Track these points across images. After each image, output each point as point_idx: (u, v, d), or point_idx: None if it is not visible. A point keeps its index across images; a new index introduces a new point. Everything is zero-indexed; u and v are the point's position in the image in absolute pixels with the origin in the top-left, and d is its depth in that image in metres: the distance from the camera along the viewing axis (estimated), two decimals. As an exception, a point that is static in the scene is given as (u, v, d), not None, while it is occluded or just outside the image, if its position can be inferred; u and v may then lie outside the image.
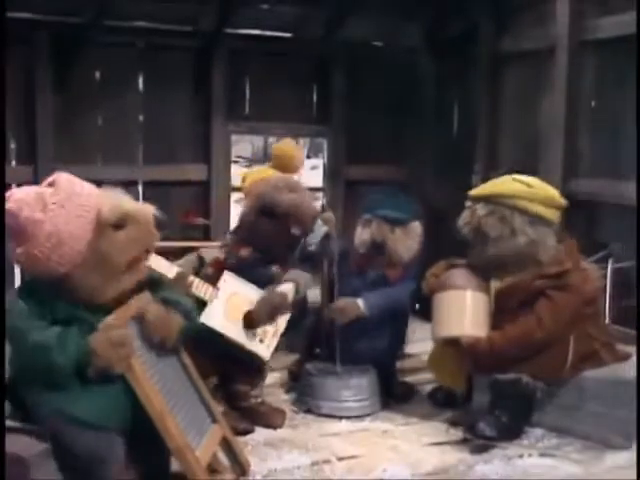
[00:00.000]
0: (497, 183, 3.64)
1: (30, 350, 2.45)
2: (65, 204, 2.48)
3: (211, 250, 3.69)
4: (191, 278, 3.29)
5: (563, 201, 3.59)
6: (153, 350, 2.68)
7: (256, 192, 3.69)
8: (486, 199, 3.55)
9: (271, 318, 3.48)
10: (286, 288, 3.55)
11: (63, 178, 2.57)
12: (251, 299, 3.48)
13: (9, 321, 2.50)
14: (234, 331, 3.40)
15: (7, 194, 2.54)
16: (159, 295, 2.76)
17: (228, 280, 3.46)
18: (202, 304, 3.32)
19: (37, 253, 2.47)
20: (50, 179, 2.57)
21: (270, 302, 3.47)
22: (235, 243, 3.67)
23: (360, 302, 3.77)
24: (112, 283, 2.56)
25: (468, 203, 3.63)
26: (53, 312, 2.53)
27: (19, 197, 2.49)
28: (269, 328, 3.51)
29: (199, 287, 3.33)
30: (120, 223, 2.55)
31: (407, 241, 3.87)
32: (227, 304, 3.41)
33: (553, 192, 3.58)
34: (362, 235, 3.91)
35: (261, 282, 3.55)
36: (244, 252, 3.58)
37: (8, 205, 2.48)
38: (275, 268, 3.65)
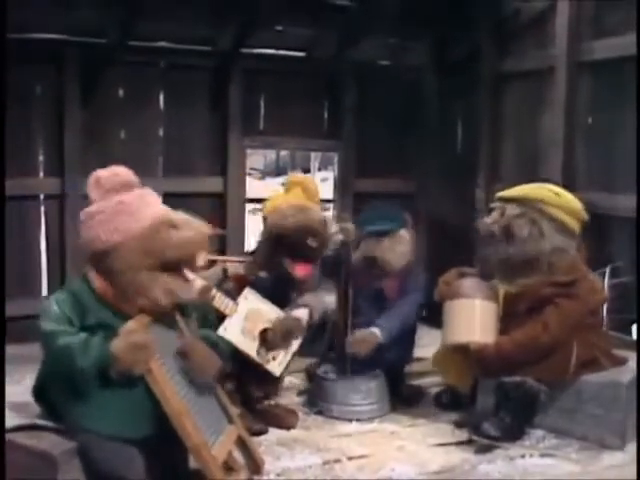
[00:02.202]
0: (528, 187, 3.59)
1: (56, 352, 2.48)
2: (142, 192, 2.71)
3: (235, 265, 3.64)
4: (214, 291, 3.26)
5: (585, 215, 3.55)
6: (172, 354, 2.67)
7: (268, 224, 3.61)
8: (517, 201, 3.52)
9: (285, 342, 3.46)
10: (301, 313, 3.52)
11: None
12: (269, 317, 3.46)
13: (42, 324, 2.53)
14: (249, 346, 3.39)
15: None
16: (197, 329, 2.79)
17: (248, 296, 3.44)
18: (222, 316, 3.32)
19: (106, 209, 2.58)
20: None
21: (285, 327, 3.44)
22: (254, 263, 3.62)
23: (377, 331, 3.71)
24: (147, 275, 2.55)
25: (496, 204, 3.60)
26: (83, 319, 2.55)
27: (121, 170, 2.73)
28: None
29: (220, 300, 3.31)
30: (178, 224, 2.64)
31: (396, 249, 3.83)
32: (245, 320, 3.39)
33: (578, 204, 3.55)
34: (355, 252, 3.90)
35: (280, 300, 3.54)
36: (263, 274, 3.54)
37: (112, 168, 2.72)
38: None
